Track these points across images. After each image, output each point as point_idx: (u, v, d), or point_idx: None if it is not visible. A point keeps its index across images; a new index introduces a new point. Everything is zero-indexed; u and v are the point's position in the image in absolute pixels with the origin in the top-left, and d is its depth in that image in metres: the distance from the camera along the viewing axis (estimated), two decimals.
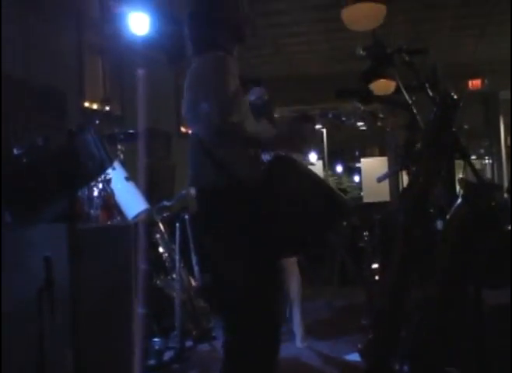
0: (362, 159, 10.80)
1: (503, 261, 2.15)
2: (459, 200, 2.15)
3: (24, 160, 2.88)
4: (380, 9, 6.08)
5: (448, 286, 2.24)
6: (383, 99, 2.52)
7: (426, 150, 2.26)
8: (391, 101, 2.57)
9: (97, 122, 2.93)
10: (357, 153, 14.05)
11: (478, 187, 2.24)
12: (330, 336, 4.62)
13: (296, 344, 4.52)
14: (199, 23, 2.64)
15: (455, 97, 2.34)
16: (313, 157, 12.32)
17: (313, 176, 2.66)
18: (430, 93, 2.57)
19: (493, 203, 2.16)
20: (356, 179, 13.97)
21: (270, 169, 2.55)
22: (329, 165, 11.19)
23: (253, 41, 9.11)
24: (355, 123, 6.61)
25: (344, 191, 9.72)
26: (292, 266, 4.55)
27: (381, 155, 11.12)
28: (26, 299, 2.58)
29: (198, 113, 2.49)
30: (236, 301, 2.57)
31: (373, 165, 9.70)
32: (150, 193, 5.55)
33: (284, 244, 2.59)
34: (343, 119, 5.85)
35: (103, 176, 4.06)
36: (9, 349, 2.75)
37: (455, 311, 2.27)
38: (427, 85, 2.60)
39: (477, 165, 14.28)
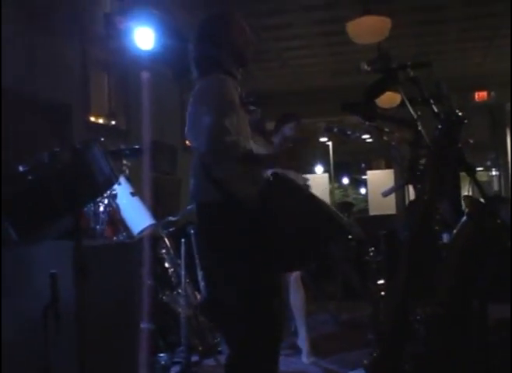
0: (368, 172, 10.78)
1: (507, 276, 2.14)
2: (464, 218, 2.15)
3: (29, 177, 2.88)
4: (385, 22, 6.10)
5: (453, 301, 2.23)
6: (385, 116, 2.51)
7: (431, 167, 2.26)
8: (394, 118, 2.56)
9: (102, 139, 2.93)
10: (363, 165, 14.04)
11: (483, 205, 2.24)
12: (335, 351, 4.59)
13: (302, 359, 4.50)
14: (205, 47, 2.75)
15: (460, 114, 2.34)
16: (319, 169, 12.36)
17: (309, 194, 2.74)
18: (435, 109, 2.57)
19: (498, 221, 2.16)
20: (363, 191, 13.95)
21: (268, 187, 2.61)
22: (336, 177, 11.18)
23: (258, 55, 9.15)
24: (361, 137, 6.59)
25: (350, 204, 9.69)
26: (295, 282, 4.53)
27: (388, 167, 11.10)
28: (32, 316, 2.57)
29: (197, 132, 2.61)
30: (236, 317, 2.61)
31: (379, 178, 9.69)
32: (156, 207, 5.55)
33: (281, 260, 2.63)
34: (348, 133, 5.82)
35: (108, 192, 4.08)
36: (15, 366, 2.74)
37: (460, 325, 2.26)
38: (432, 100, 2.59)
39: (484, 177, 14.23)
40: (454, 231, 2.20)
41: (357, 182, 15.13)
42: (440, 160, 2.25)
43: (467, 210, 2.13)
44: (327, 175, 10.68)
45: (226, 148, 2.50)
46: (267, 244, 2.52)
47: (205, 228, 2.67)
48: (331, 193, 10.50)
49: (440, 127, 2.33)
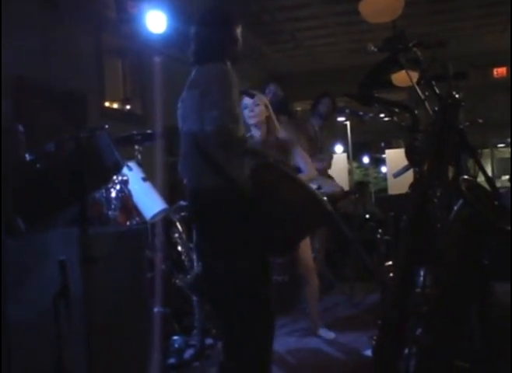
0: (386, 151, 10.72)
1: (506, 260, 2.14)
2: (461, 201, 2.14)
3: (37, 166, 2.92)
4: (398, 1, 6.00)
5: (452, 283, 2.23)
6: (382, 100, 2.50)
7: (428, 150, 2.25)
8: (391, 102, 2.55)
9: (106, 126, 2.96)
10: (383, 144, 13.90)
11: (480, 187, 2.23)
12: (349, 332, 4.60)
13: (321, 334, 4.52)
14: (208, 38, 2.85)
15: (457, 96, 2.32)
16: (338, 149, 12.32)
17: (297, 180, 2.86)
18: (437, 91, 2.55)
19: (495, 203, 2.15)
20: (384, 169, 13.84)
21: (256, 174, 2.74)
22: (356, 156, 11.15)
23: (273, 36, 9.11)
24: (377, 117, 6.58)
25: (365, 184, 9.68)
26: (310, 272, 4.51)
27: None
28: (42, 304, 2.61)
29: (202, 118, 2.68)
30: (232, 292, 2.72)
31: (398, 157, 9.57)
32: (172, 192, 5.58)
33: (271, 244, 2.78)
34: (360, 114, 5.83)
35: (120, 178, 4.11)
36: (27, 353, 2.78)
37: (460, 308, 2.26)
38: (434, 82, 2.58)
39: (507, 153, 14.05)
40: (452, 214, 2.20)
41: (378, 161, 14.98)
42: (438, 143, 2.24)
43: (463, 192, 2.12)
44: (345, 155, 10.63)
45: (228, 134, 2.63)
46: (258, 229, 2.67)
47: (205, 211, 2.76)
48: (350, 172, 10.48)
49: (436, 109, 2.32)
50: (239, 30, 2.96)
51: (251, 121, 4.12)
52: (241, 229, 2.66)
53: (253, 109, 4.09)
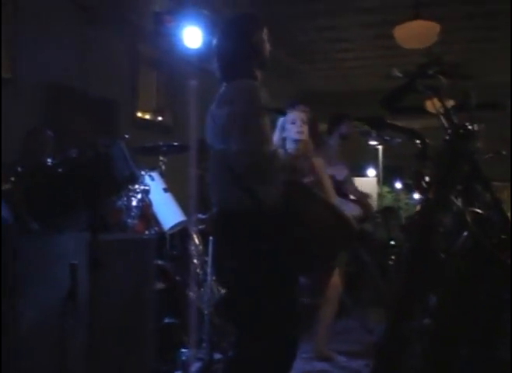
0: None
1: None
2: (465, 233, 2.11)
3: (59, 170, 2.97)
4: (433, 27, 6.02)
5: (448, 315, 2.20)
6: (394, 126, 2.49)
7: (435, 179, 2.23)
8: (402, 129, 2.54)
9: (126, 136, 3.01)
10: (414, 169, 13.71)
11: (485, 219, 2.20)
12: (361, 357, 4.55)
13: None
14: (230, 53, 2.79)
15: (469, 127, 2.30)
16: (371, 172, 12.21)
17: (323, 200, 2.84)
18: (444, 123, 2.51)
19: (502, 237, 2.11)
20: (416, 196, 13.63)
21: (286, 194, 2.65)
22: (388, 181, 11.04)
23: (307, 55, 9.15)
24: (408, 141, 6.50)
25: (391, 209, 9.56)
26: (333, 296, 4.50)
27: None
28: (51, 305, 2.65)
29: (227, 136, 2.62)
30: (256, 317, 2.66)
31: None
32: (199, 204, 5.60)
33: (300, 264, 2.72)
34: (386, 138, 5.78)
35: (142, 187, 4.17)
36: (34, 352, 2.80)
37: (456, 339, 2.23)
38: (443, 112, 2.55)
39: None
40: (456, 245, 2.17)
41: (410, 186, 14.73)
42: (445, 172, 2.22)
43: (468, 224, 2.09)
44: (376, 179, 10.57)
45: (267, 159, 2.60)
46: (288, 249, 2.60)
47: (232, 235, 2.70)
48: (379, 196, 10.42)
49: (446, 139, 2.31)
50: (262, 35, 2.84)
51: (297, 136, 3.99)
52: (270, 253, 2.57)
53: (302, 126, 4.00)
